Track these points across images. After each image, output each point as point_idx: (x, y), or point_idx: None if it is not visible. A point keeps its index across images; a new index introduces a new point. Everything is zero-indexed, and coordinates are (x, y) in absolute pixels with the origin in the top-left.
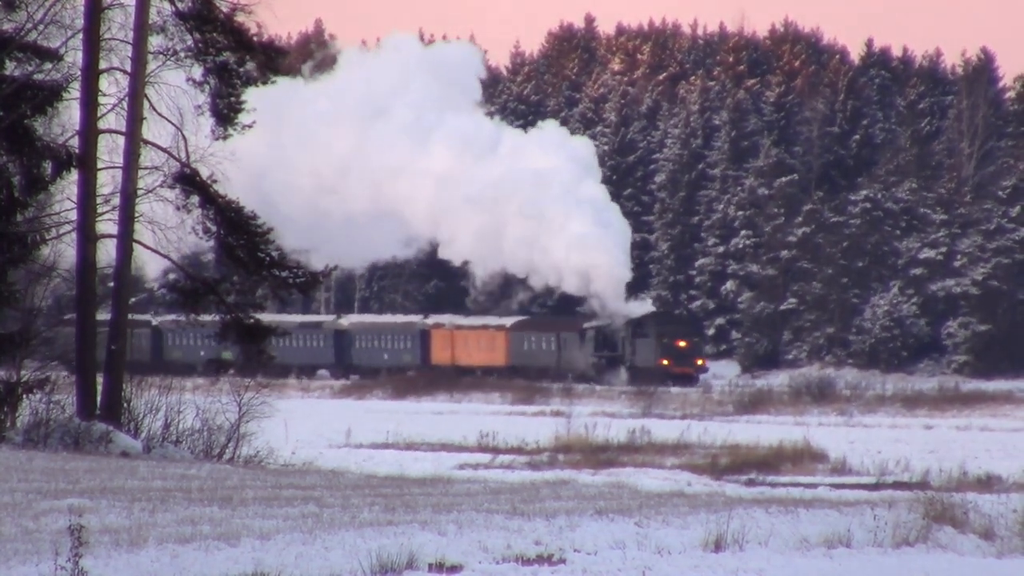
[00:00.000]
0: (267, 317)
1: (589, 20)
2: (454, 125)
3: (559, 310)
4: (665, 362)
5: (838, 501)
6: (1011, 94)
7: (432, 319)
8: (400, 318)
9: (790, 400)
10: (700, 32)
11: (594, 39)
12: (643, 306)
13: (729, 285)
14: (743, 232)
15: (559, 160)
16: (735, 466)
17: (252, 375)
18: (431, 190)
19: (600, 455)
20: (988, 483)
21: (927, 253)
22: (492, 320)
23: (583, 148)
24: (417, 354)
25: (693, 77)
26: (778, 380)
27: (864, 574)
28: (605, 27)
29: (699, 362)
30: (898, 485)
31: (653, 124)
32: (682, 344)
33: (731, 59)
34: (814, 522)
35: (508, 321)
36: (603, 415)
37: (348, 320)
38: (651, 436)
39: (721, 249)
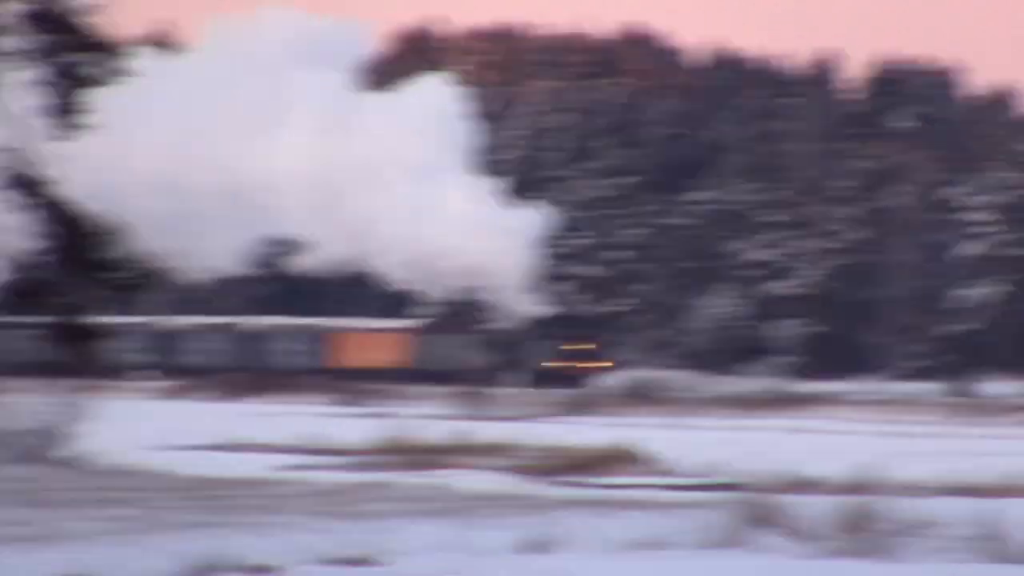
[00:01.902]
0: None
1: (435, 21)
2: (319, 104)
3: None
4: (563, 364)
5: (662, 502)
6: (853, 96)
7: (334, 321)
8: (303, 321)
9: (620, 401)
10: (544, 33)
11: (441, 40)
12: (543, 308)
13: (563, 286)
14: (581, 233)
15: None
16: (560, 468)
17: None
18: (290, 184)
19: (423, 456)
20: (813, 485)
21: (764, 254)
22: (395, 323)
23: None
24: (319, 357)
25: (537, 78)
26: (609, 381)
27: (685, 575)
28: (451, 28)
29: (598, 364)
30: (723, 487)
31: (495, 125)
32: (580, 347)
33: (574, 60)
34: (637, 524)
35: (410, 324)
36: (428, 416)
37: (250, 322)
38: (477, 437)
39: (552, 250)
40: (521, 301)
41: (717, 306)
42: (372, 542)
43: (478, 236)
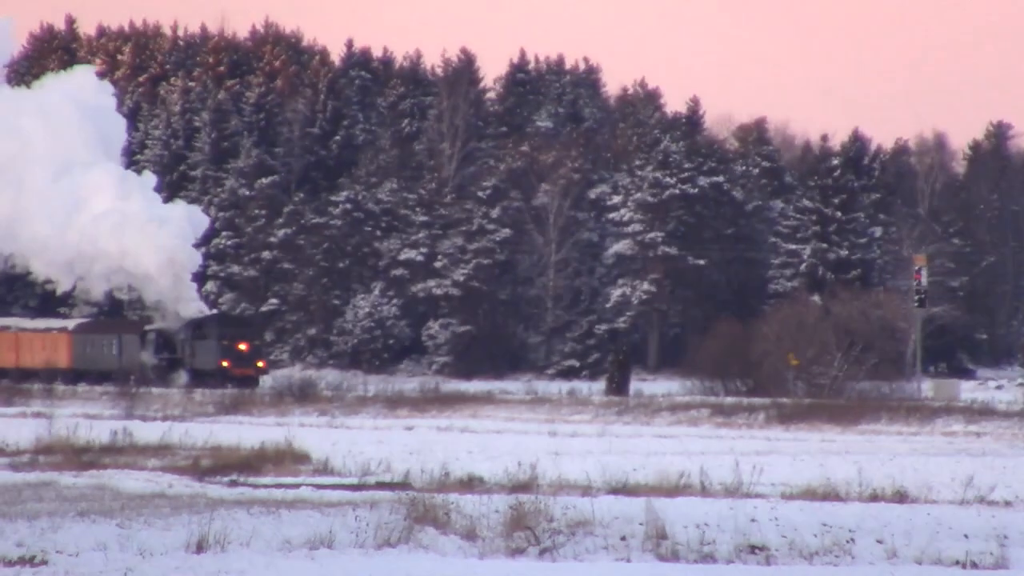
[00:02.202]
0: None
1: (69, 21)
2: None
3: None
4: (225, 364)
5: (321, 502)
6: (491, 95)
7: None
8: None
9: (272, 401)
10: (181, 33)
11: (75, 40)
12: (205, 308)
13: (209, 286)
14: (225, 233)
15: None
16: (217, 467)
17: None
18: None
19: (83, 457)
20: (470, 484)
21: (409, 254)
22: (56, 323)
23: (112, 121)
24: None
25: (174, 78)
26: (266, 381)
27: (347, 575)
28: (86, 28)
29: (260, 364)
30: (381, 486)
31: (134, 125)
32: (242, 346)
33: (212, 60)
34: (296, 523)
35: (71, 324)
36: (85, 416)
37: None
38: (133, 437)
39: (203, 250)
40: (179, 301)
41: (370, 306)
42: (36, 542)
43: (131, 235)
